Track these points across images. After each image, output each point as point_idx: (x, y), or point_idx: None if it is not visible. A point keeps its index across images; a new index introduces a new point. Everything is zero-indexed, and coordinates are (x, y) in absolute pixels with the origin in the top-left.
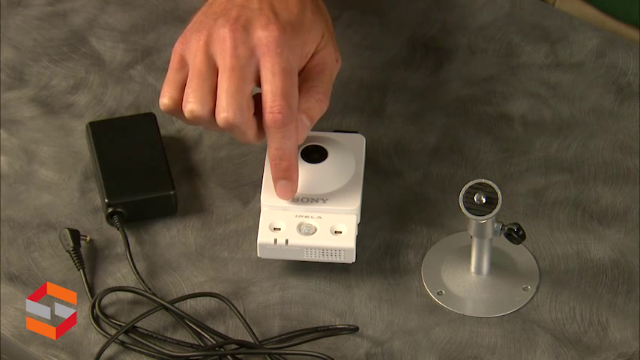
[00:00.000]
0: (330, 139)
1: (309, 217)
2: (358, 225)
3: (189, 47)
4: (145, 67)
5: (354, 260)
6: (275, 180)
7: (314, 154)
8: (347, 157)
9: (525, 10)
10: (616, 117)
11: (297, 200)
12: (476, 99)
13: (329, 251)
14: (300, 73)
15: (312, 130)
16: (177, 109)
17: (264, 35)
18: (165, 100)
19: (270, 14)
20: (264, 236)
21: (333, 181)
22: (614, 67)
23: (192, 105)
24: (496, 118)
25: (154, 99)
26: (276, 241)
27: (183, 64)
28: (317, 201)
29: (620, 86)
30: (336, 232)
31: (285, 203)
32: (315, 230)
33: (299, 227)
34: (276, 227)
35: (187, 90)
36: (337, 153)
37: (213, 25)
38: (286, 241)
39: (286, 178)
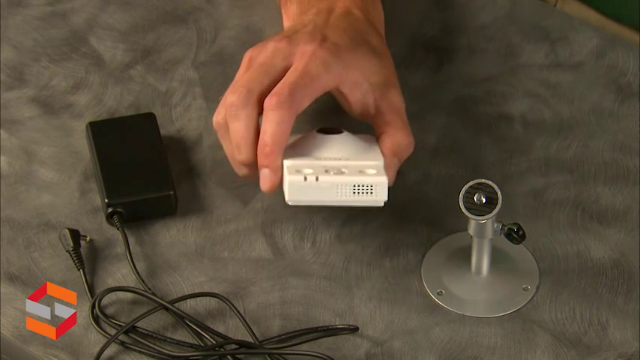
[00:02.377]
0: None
1: (335, 167)
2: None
3: None
4: (145, 67)
5: (386, 199)
6: (259, 167)
7: (330, 131)
8: (361, 138)
9: (525, 10)
10: (616, 117)
11: (318, 158)
12: (476, 99)
13: (361, 187)
14: (377, 118)
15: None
16: None
17: (303, 47)
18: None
19: (318, 36)
20: (293, 176)
21: (353, 147)
22: (614, 67)
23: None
24: (496, 118)
25: (154, 99)
26: (306, 178)
27: None
28: (340, 159)
29: (620, 86)
30: (365, 172)
31: (307, 159)
32: (344, 174)
33: (326, 171)
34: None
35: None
36: (352, 133)
37: (264, 42)
38: (316, 178)
39: (268, 166)
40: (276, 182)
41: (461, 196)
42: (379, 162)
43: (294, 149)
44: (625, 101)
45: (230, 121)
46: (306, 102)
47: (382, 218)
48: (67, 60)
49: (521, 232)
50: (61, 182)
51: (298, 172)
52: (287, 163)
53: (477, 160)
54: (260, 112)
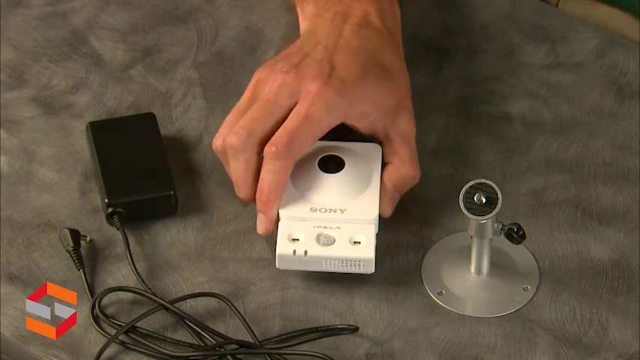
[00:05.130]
0: (347, 149)
1: (328, 228)
2: (376, 234)
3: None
4: (145, 67)
5: (373, 271)
6: (257, 210)
7: (331, 164)
8: (364, 166)
9: (525, 10)
10: (616, 117)
11: (315, 210)
12: (476, 99)
13: (348, 262)
14: (386, 144)
15: (329, 139)
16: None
17: (309, 85)
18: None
19: (327, 67)
20: (282, 247)
21: (351, 192)
22: (614, 67)
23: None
24: (496, 118)
25: (154, 99)
26: (295, 252)
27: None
28: (335, 211)
29: (620, 86)
30: (355, 242)
31: (303, 214)
32: (334, 241)
33: (317, 238)
34: (295, 238)
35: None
36: (354, 163)
37: (273, 67)
38: (305, 252)
39: (262, 212)
40: (271, 229)
41: (461, 196)
42: (372, 218)
43: (296, 182)
44: (625, 101)
45: (230, 160)
46: (305, 148)
47: (382, 218)
48: (67, 60)
49: (521, 232)
50: (61, 182)
51: (289, 240)
52: (282, 222)
53: (477, 160)
54: (260, 151)
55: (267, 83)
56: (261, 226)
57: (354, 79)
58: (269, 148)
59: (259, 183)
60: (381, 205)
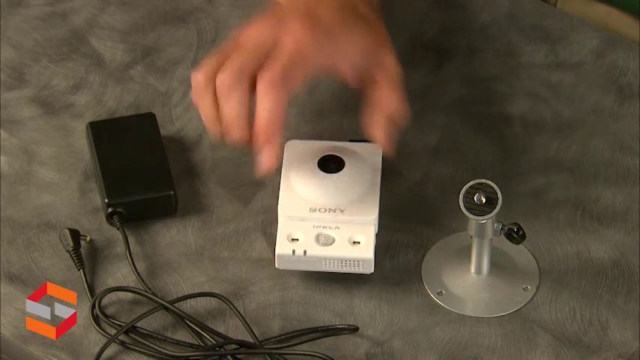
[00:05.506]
0: (347, 149)
1: (327, 228)
2: (376, 234)
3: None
4: (145, 67)
5: (372, 271)
6: (258, 148)
7: (331, 164)
8: (364, 166)
9: (525, 10)
10: (616, 117)
11: (314, 210)
12: (476, 99)
13: (347, 262)
14: (373, 89)
15: (329, 139)
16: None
17: (293, 25)
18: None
19: (310, 14)
20: (282, 247)
21: (351, 191)
22: (614, 67)
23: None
24: (496, 118)
25: (154, 99)
26: (294, 252)
27: None
28: (335, 211)
29: (620, 86)
30: (354, 242)
31: (303, 214)
32: (334, 241)
33: (317, 238)
34: (294, 238)
35: None
36: (354, 163)
37: (255, 20)
38: (304, 252)
39: (265, 144)
40: (275, 163)
41: (461, 196)
42: (372, 218)
43: (295, 181)
44: (625, 101)
45: (222, 102)
46: (299, 81)
47: (382, 218)
48: (67, 60)
49: (521, 232)
50: (61, 182)
51: (288, 240)
52: (281, 222)
53: (477, 160)
54: (252, 90)
55: (251, 33)
56: (266, 162)
57: (335, 24)
58: (263, 80)
59: (257, 118)
60: (377, 134)
